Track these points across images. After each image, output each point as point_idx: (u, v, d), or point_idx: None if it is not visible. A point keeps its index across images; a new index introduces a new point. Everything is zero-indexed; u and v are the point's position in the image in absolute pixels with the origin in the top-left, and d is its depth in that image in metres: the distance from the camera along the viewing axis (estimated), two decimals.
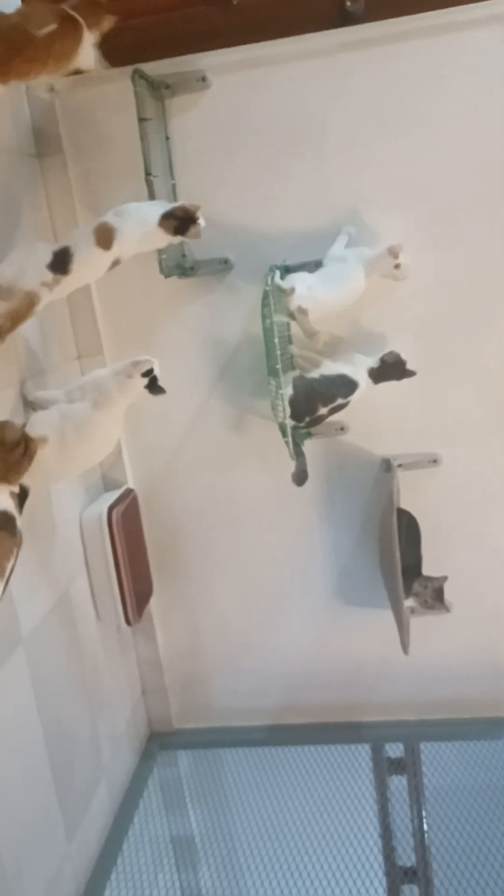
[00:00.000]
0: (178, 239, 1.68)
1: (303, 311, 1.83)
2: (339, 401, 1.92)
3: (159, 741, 2.39)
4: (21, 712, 1.67)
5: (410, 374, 1.94)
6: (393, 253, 1.84)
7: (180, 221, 1.65)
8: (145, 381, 1.72)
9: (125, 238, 1.63)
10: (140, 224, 1.65)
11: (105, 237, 1.61)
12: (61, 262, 1.57)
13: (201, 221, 1.67)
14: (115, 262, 1.66)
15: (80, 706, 1.97)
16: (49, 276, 1.55)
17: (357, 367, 1.95)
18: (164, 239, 1.68)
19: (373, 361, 1.95)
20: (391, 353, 1.94)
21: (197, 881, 1.95)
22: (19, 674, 1.67)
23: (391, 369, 1.94)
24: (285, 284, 1.83)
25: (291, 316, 1.87)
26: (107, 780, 2.07)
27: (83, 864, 1.90)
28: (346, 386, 1.93)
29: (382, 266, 1.87)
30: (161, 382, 1.77)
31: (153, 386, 1.73)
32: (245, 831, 2.03)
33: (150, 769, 2.28)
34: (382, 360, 1.94)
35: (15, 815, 1.59)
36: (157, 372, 1.74)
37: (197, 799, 2.19)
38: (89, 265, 1.61)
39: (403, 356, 1.94)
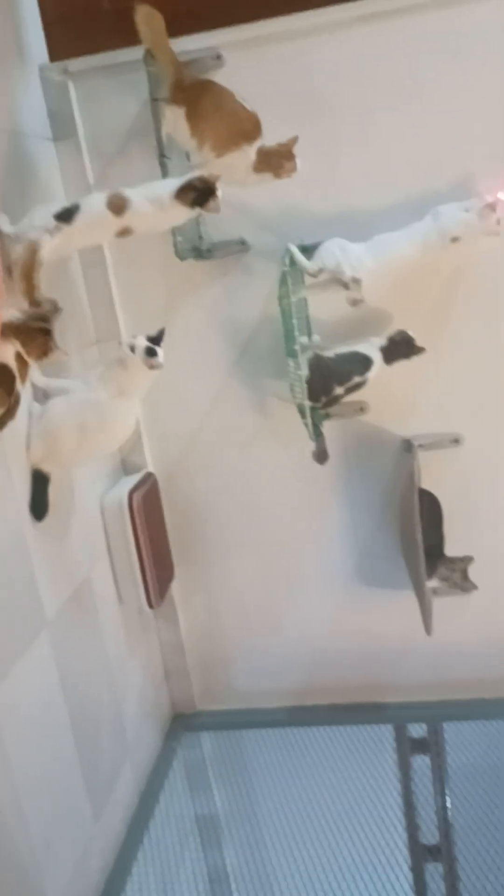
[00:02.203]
0: (196, 212, 1.65)
1: (356, 282, 1.82)
2: (356, 379, 1.91)
3: (183, 723, 2.40)
4: (46, 694, 1.69)
5: (420, 350, 1.91)
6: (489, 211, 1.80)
7: (199, 193, 1.61)
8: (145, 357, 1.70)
9: (138, 209, 1.61)
10: (156, 197, 1.63)
11: (117, 204, 1.60)
12: (67, 213, 1.58)
13: (220, 193, 1.64)
14: (125, 231, 1.64)
15: (104, 688, 1.98)
16: (52, 223, 1.56)
17: (370, 346, 1.93)
18: (182, 213, 1.65)
19: (382, 341, 1.93)
20: (399, 331, 1.92)
21: (223, 860, 1.97)
22: (44, 657, 1.68)
23: (400, 347, 1.92)
24: (312, 267, 1.81)
25: (345, 285, 1.85)
26: (131, 761, 2.09)
27: (110, 843, 1.92)
28: (360, 363, 1.91)
29: (476, 229, 1.83)
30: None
31: (151, 354, 1.70)
32: (269, 811, 2.05)
33: (173, 750, 2.30)
34: (390, 339, 1.92)
35: (43, 794, 1.61)
36: (150, 340, 1.71)
37: (220, 780, 2.21)
38: (95, 225, 1.61)
39: (411, 333, 1.91)
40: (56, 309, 1.55)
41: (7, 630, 1.56)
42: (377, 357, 1.91)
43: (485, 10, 1.81)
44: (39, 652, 1.66)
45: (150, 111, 1.84)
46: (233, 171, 1.72)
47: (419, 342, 1.91)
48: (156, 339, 1.71)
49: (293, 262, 1.87)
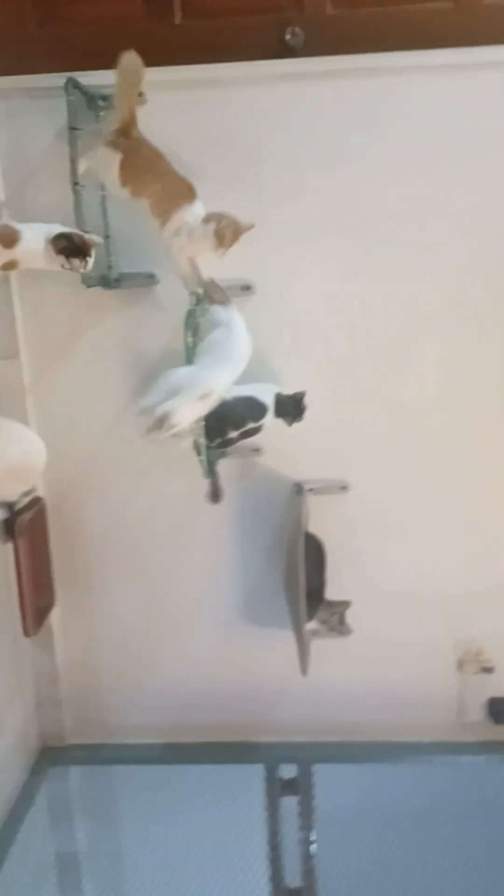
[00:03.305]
0: (59, 260, 1.69)
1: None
2: (250, 424, 1.94)
3: (51, 756, 2.33)
4: None
5: (300, 415, 1.97)
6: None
7: (70, 246, 1.67)
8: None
9: (27, 246, 1.66)
10: (42, 237, 1.66)
11: (8, 236, 1.64)
12: None
13: (90, 262, 1.70)
14: (10, 265, 1.68)
15: None
16: None
17: (267, 392, 1.97)
18: (51, 258, 1.69)
19: (276, 388, 1.98)
20: (295, 393, 1.97)
21: None
22: None
23: (288, 407, 1.97)
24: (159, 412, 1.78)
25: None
26: None
27: None
28: (255, 409, 1.95)
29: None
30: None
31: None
32: (134, 851, 2.01)
33: (38, 784, 2.22)
34: (280, 398, 1.97)
35: None
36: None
37: (86, 817, 2.16)
38: None
39: (304, 400, 1.97)
40: None
41: None
42: (271, 404, 1.96)
43: (399, 84, 1.92)
44: None
45: (68, 139, 1.84)
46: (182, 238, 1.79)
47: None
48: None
49: (199, 301, 1.90)
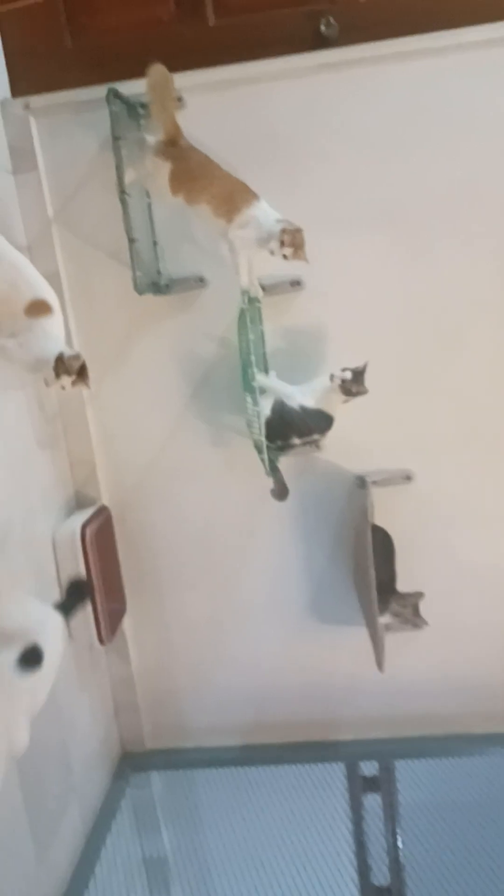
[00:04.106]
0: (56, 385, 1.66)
1: None
2: (316, 436, 1.94)
3: (132, 762, 2.35)
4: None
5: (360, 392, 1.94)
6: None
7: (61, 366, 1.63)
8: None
9: None
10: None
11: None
12: None
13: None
14: None
15: (51, 725, 1.94)
16: None
17: (329, 399, 1.94)
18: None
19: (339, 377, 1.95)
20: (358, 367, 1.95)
21: None
22: None
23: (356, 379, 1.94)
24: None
25: None
26: (78, 802, 2.03)
27: (54, 887, 1.86)
28: (324, 421, 1.94)
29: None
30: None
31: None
32: (218, 853, 2.01)
33: (122, 790, 2.25)
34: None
35: None
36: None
37: (169, 820, 2.17)
38: None
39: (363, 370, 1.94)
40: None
41: None
42: (337, 411, 1.94)
43: (438, 66, 1.88)
44: None
45: (112, 149, 1.85)
46: (245, 238, 1.79)
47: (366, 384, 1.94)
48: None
49: (251, 299, 1.89)
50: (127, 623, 2.28)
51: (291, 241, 1.74)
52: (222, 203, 1.77)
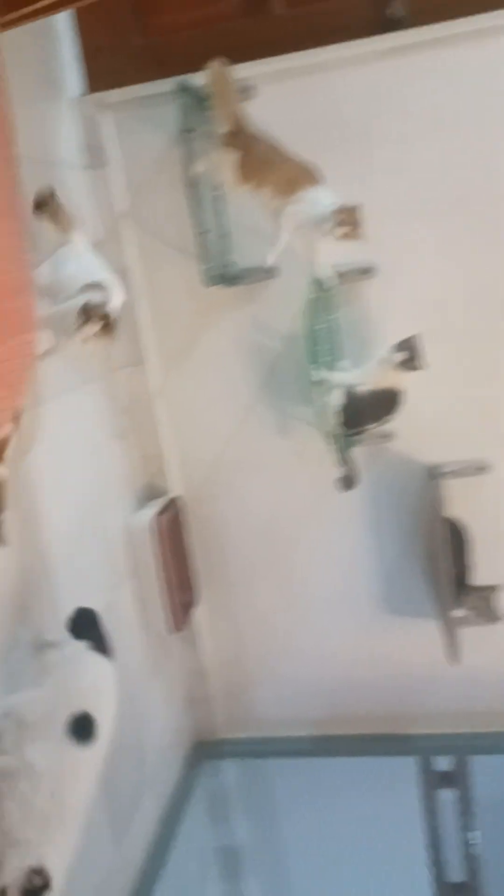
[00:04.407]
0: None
1: None
2: (388, 417, 1.91)
3: (205, 750, 2.38)
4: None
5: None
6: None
7: (88, 312, 1.44)
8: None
9: None
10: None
11: None
12: None
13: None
14: None
15: (125, 713, 1.96)
16: None
17: (389, 376, 1.89)
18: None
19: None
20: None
21: (243, 892, 1.93)
22: None
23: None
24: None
25: None
26: (152, 789, 2.06)
27: (130, 873, 1.89)
28: (394, 400, 1.90)
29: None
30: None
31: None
32: (291, 843, 2.02)
33: (195, 778, 2.27)
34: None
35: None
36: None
37: (242, 809, 2.18)
38: None
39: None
40: None
41: (31, 650, 1.56)
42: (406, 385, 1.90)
43: None
44: None
45: (181, 142, 1.87)
46: (297, 215, 1.76)
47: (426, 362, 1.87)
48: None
49: (321, 288, 1.88)
50: (198, 614, 2.30)
51: (347, 219, 1.71)
52: (284, 186, 1.76)
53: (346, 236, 1.72)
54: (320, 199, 1.74)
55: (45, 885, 1.07)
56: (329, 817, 2.06)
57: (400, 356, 1.84)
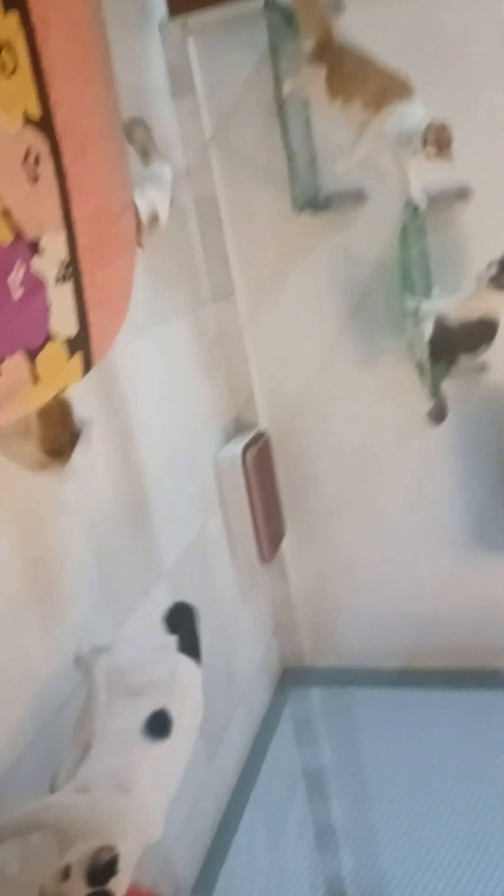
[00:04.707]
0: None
1: None
2: (483, 348, 1.84)
3: (292, 677, 2.44)
4: (163, 639, 1.74)
5: None
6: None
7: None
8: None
9: None
10: None
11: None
12: None
13: None
14: None
15: (217, 638, 2.03)
16: None
17: (486, 300, 1.82)
18: None
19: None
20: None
21: (329, 812, 1.99)
22: (162, 603, 1.74)
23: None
24: None
25: None
26: (243, 710, 2.14)
27: (222, 787, 1.98)
28: (488, 329, 1.82)
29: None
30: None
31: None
32: (375, 769, 2.05)
33: (283, 703, 2.34)
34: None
35: None
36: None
37: (328, 735, 2.23)
38: None
39: None
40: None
41: (129, 577, 1.62)
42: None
43: None
44: (158, 598, 1.71)
45: (270, 62, 1.80)
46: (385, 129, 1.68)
47: None
48: None
49: (415, 212, 1.81)
50: (286, 545, 2.33)
51: (436, 138, 1.62)
52: (375, 97, 1.67)
53: (435, 155, 1.64)
54: (411, 115, 1.65)
55: (113, 862, 0.99)
56: (414, 747, 2.08)
57: (496, 270, 1.75)
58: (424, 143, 1.63)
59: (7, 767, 1.22)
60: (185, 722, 1.25)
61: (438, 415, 1.99)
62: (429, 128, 1.62)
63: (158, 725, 1.19)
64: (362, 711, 2.25)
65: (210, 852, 1.86)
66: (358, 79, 1.68)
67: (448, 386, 2.00)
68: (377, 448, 2.19)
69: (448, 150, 1.63)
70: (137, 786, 1.11)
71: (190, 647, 1.42)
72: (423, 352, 1.85)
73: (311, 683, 2.41)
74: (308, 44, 1.73)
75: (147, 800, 1.12)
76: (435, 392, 1.94)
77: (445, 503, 2.19)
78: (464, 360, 1.87)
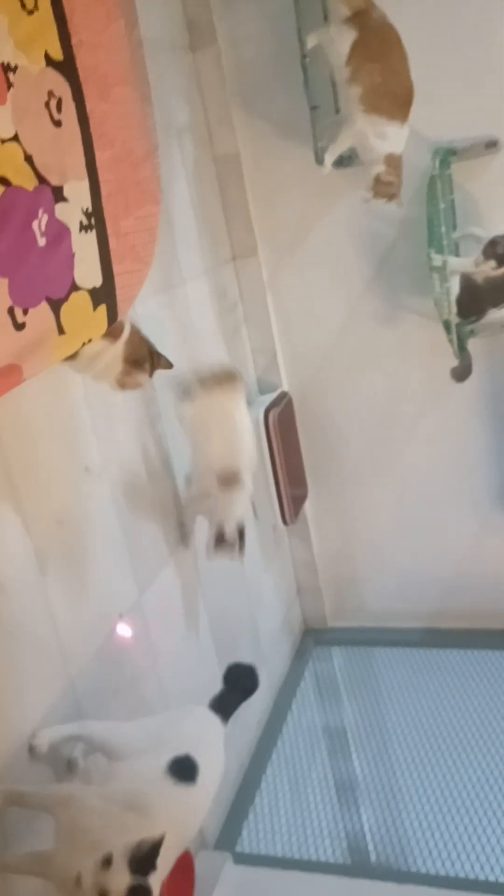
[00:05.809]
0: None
1: None
2: None
3: (314, 637, 2.45)
4: (189, 600, 1.76)
5: None
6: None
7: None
8: None
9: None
10: None
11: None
12: None
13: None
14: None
15: (240, 599, 2.04)
16: None
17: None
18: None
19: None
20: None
21: (350, 769, 2.01)
22: (187, 564, 1.75)
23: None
24: None
25: None
26: (265, 670, 2.15)
27: (246, 744, 2.01)
28: None
29: None
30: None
31: None
32: (396, 727, 2.07)
33: (305, 662, 2.36)
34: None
35: (185, 693, 1.69)
36: None
37: (350, 693, 2.25)
38: None
39: None
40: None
41: (153, 540, 1.63)
42: None
43: None
44: (183, 559, 1.72)
45: (295, 12, 1.75)
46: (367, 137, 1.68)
47: None
48: None
49: (443, 164, 1.76)
50: (308, 508, 2.32)
51: (384, 185, 1.70)
52: (372, 97, 1.64)
53: (377, 195, 1.71)
54: (387, 142, 1.66)
55: (155, 851, 1.00)
56: (436, 705, 2.09)
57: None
58: (376, 180, 1.69)
59: (36, 722, 1.24)
60: (209, 773, 1.26)
61: (463, 372, 1.96)
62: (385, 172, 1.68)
63: (185, 769, 1.20)
64: (384, 670, 2.27)
65: (233, 808, 1.89)
66: (375, 66, 1.63)
67: (476, 344, 1.97)
68: (401, 408, 2.17)
69: (395, 199, 1.73)
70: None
71: (225, 706, 1.44)
72: (450, 309, 1.81)
73: (334, 643, 2.42)
74: (348, 5, 1.67)
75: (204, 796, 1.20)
76: (460, 350, 1.91)
77: (471, 464, 2.17)
78: (491, 317, 1.83)
